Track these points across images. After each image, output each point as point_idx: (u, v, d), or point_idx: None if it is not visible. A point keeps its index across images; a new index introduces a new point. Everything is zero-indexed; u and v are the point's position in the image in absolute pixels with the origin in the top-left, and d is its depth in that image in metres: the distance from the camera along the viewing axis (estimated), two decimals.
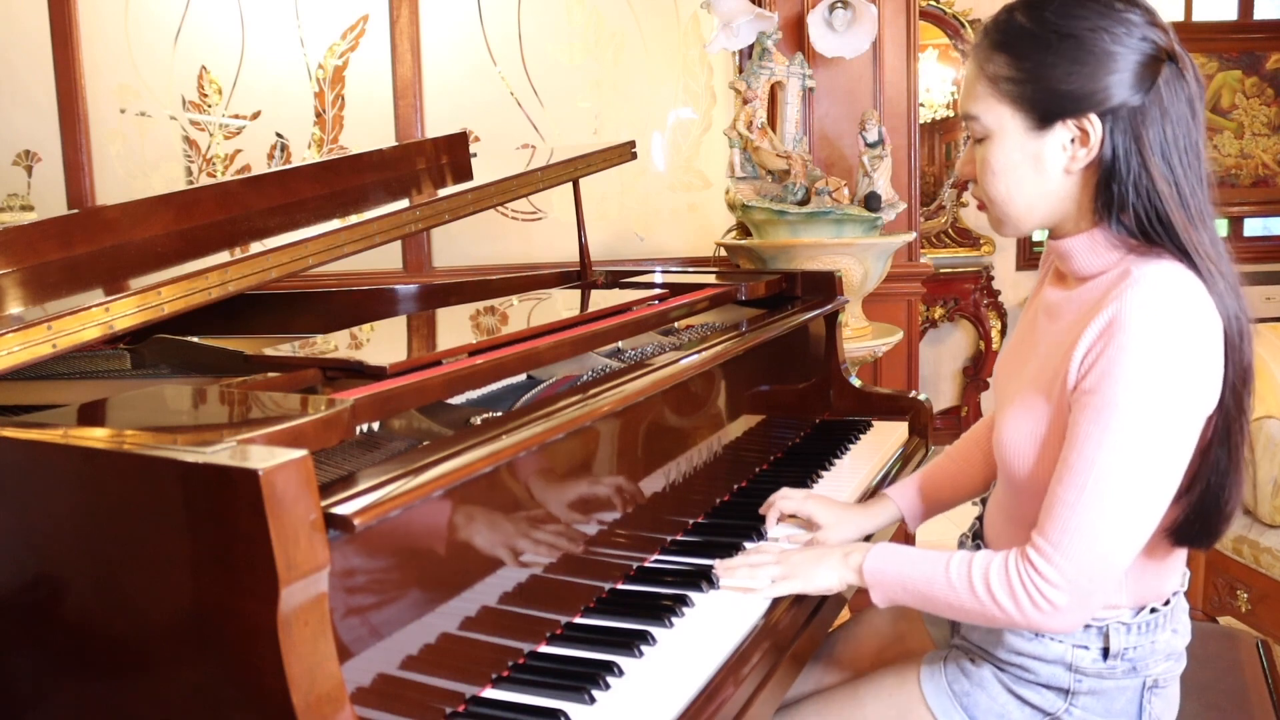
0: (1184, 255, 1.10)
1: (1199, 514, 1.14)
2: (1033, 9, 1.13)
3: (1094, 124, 1.10)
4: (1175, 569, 1.25)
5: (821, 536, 1.51)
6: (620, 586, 1.35)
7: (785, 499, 1.55)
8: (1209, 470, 1.12)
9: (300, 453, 0.82)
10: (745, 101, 2.92)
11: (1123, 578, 1.19)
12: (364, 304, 2.10)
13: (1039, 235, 1.33)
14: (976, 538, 1.36)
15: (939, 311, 5.15)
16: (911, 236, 3.09)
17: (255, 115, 3.44)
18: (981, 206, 1.25)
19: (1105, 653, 1.21)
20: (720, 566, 1.33)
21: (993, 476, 1.43)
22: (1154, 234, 1.11)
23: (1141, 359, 1.05)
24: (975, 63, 1.17)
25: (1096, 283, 1.16)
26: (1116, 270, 1.13)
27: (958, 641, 1.34)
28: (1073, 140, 1.12)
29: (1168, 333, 1.05)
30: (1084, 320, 1.11)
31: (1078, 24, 1.10)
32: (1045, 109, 1.12)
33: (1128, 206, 1.11)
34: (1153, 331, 1.05)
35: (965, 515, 1.46)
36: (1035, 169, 1.15)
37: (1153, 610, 1.22)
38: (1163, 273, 1.08)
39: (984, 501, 1.40)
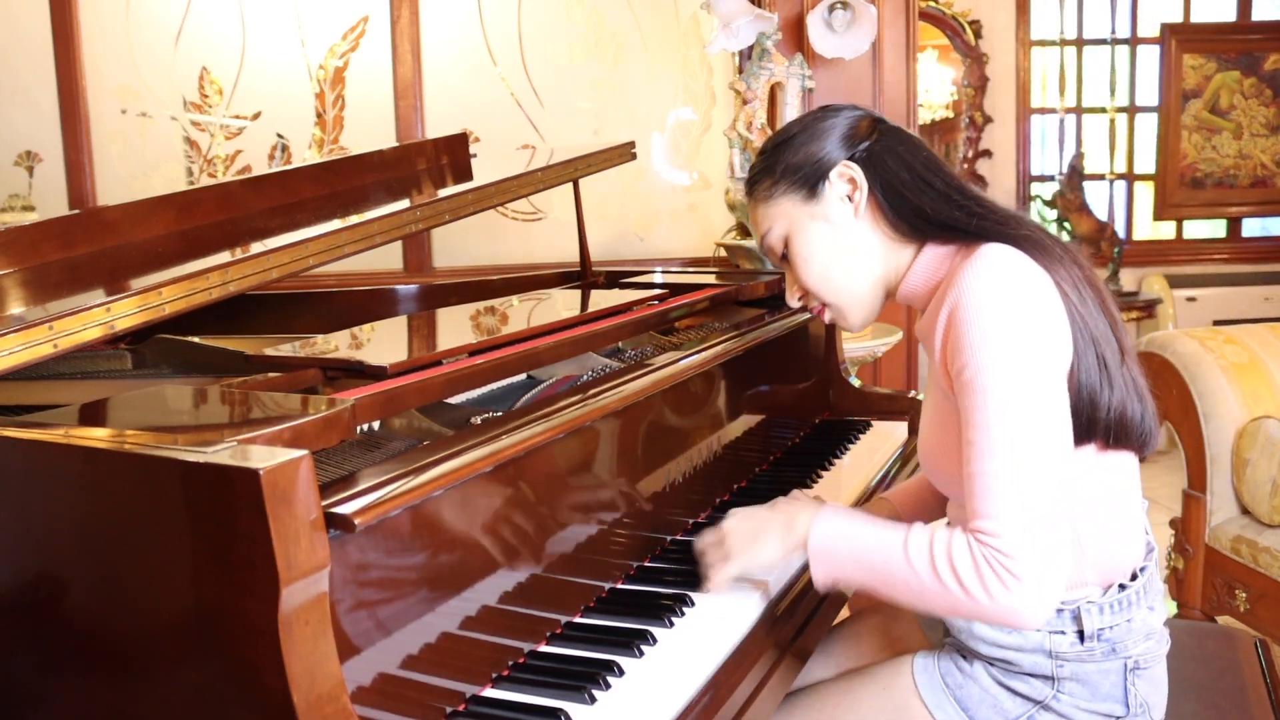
0: (996, 237, 1.20)
1: (1076, 408, 1.17)
2: (764, 145, 1.35)
3: (851, 166, 1.27)
4: (1134, 541, 1.27)
5: None
6: (620, 586, 1.35)
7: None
8: (1076, 383, 1.17)
9: (301, 452, 0.83)
10: (745, 102, 2.92)
11: (1082, 553, 1.21)
12: (364, 304, 2.10)
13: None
14: None
15: None
16: None
17: (256, 116, 3.45)
18: (823, 312, 1.36)
19: (1081, 635, 1.22)
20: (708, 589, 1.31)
21: None
22: (947, 224, 1.23)
23: (984, 320, 1.12)
24: (752, 201, 1.35)
25: (937, 295, 1.24)
26: (950, 276, 1.22)
27: (950, 640, 1.34)
28: (846, 192, 1.28)
29: (998, 290, 1.13)
30: (934, 319, 1.20)
31: (795, 125, 1.32)
32: (808, 180, 1.29)
33: (918, 214, 1.25)
34: (985, 294, 1.13)
35: None
36: (832, 231, 1.29)
37: (1121, 587, 1.24)
38: (984, 251, 1.18)
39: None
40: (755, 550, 1.26)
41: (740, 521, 1.30)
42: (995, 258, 1.16)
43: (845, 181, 1.27)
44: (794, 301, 1.37)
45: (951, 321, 1.15)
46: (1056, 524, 1.10)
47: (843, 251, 1.29)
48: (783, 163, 1.30)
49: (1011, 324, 1.12)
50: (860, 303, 1.31)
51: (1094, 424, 1.19)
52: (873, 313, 1.33)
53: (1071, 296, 1.18)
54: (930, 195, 1.24)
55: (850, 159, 1.27)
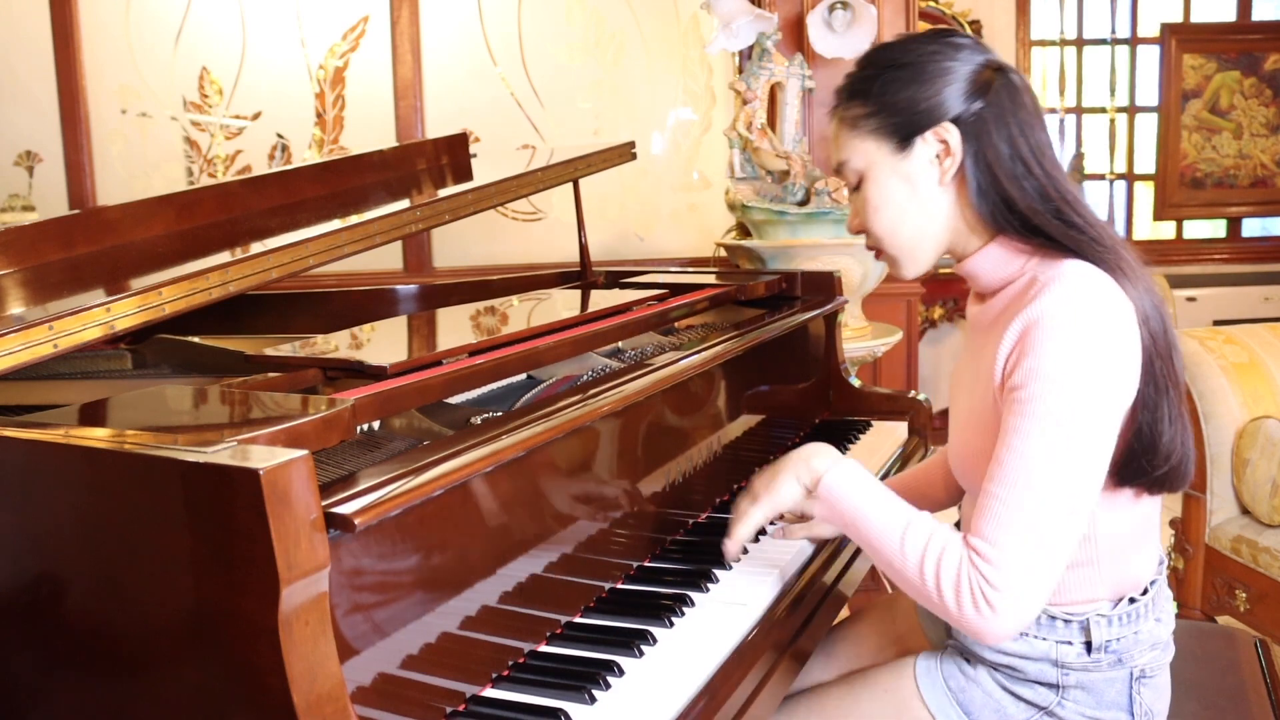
0: (1081, 253, 1.14)
1: (1138, 451, 1.15)
2: (872, 57, 1.25)
3: (950, 131, 1.17)
4: (1149, 557, 1.26)
5: (815, 528, 1.51)
6: (620, 586, 1.35)
7: None
8: (1141, 408, 1.14)
9: (301, 452, 0.83)
10: (745, 102, 2.92)
11: (1097, 572, 1.20)
12: (364, 304, 2.10)
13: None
14: None
15: (938, 311, 5.16)
16: None
17: (256, 116, 3.45)
18: (879, 255, 1.31)
19: (1088, 646, 1.22)
20: (727, 545, 1.35)
21: (958, 491, 1.45)
22: (1034, 226, 1.16)
23: (1061, 354, 1.08)
24: (836, 118, 1.26)
25: (1005, 292, 1.21)
26: (1024, 278, 1.18)
27: (953, 641, 1.34)
28: (937, 155, 1.19)
29: (1085, 326, 1.09)
30: (1001, 326, 1.15)
31: (911, 53, 1.20)
32: (902, 130, 1.19)
33: (1004, 204, 1.17)
34: (1070, 327, 1.09)
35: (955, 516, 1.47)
36: (911, 192, 1.21)
37: (1131, 600, 1.23)
38: (1071, 271, 1.12)
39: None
40: (776, 488, 1.26)
41: (765, 472, 1.32)
42: (1083, 285, 1.11)
43: (939, 142, 1.18)
44: (852, 229, 1.32)
45: (1024, 341, 1.10)
46: (1056, 566, 1.09)
47: (916, 213, 1.22)
48: (883, 95, 1.20)
49: (1082, 364, 1.08)
50: (918, 260, 1.26)
51: (1151, 469, 1.16)
52: (927, 269, 1.27)
53: (1152, 326, 1.14)
54: (1023, 186, 1.15)
55: (956, 118, 1.17)
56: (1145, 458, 1.15)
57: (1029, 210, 1.15)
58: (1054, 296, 1.10)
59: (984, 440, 1.19)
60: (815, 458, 1.25)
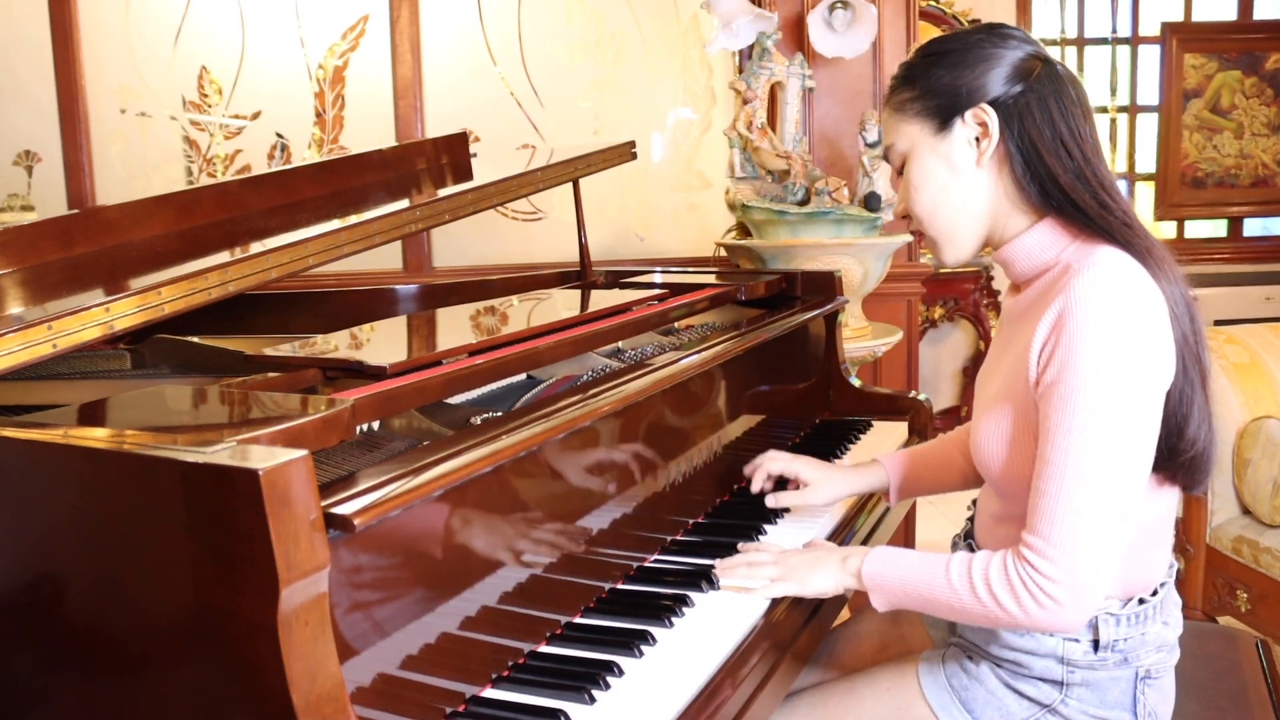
0: (1116, 241, 1.16)
1: (1163, 435, 1.16)
2: (924, 47, 1.28)
3: (988, 113, 1.20)
4: (1161, 559, 1.27)
5: (807, 495, 1.54)
6: (620, 586, 1.35)
7: (773, 460, 1.58)
8: (1173, 403, 1.16)
9: (300, 453, 0.82)
10: (745, 102, 2.92)
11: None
12: (364, 304, 2.10)
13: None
14: (968, 537, 1.37)
15: (939, 311, 5.15)
16: (911, 237, 3.10)
17: (255, 115, 3.45)
18: (920, 238, 1.31)
19: (1095, 645, 1.22)
20: (720, 565, 1.35)
21: (974, 474, 1.45)
22: (1075, 203, 1.18)
23: (1096, 342, 1.09)
24: (888, 104, 1.30)
25: (1041, 281, 1.22)
26: (1058, 267, 1.20)
27: (955, 640, 1.34)
28: (976, 137, 1.22)
29: (1116, 313, 1.10)
30: (1035, 316, 1.16)
31: (959, 41, 1.25)
32: (942, 111, 1.23)
33: (1051, 180, 1.19)
34: (1102, 314, 1.10)
35: (961, 515, 1.47)
36: (951, 172, 1.24)
37: (1141, 601, 1.24)
38: (1102, 259, 1.14)
39: (975, 502, 1.41)
40: (811, 577, 1.29)
41: (795, 553, 1.35)
42: (1114, 271, 1.12)
43: (977, 124, 1.22)
44: (897, 213, 1.35)
45: (1058, 331, 1.12)
46: (1111, 555, 1.11)
47: (955, 194, 1.25)
48: (927, 79, 1.24)
49: (1118, 352, 1.09)
50: (958, 244, 1.28)
51: (1173, 456, 1.18)
52: (968, 256, 1.29)
53: (1182, 321, 1.16)
54: (1063, 165, 1.18)
55: (994, 101, 1.20)
56: (1170, 442, 1.17)
57: (1070, 188, 1.18)
58: (1086, 283, 1.11)
59: (1004, 427, 1.21)
60: (853, 554, 1.29)
